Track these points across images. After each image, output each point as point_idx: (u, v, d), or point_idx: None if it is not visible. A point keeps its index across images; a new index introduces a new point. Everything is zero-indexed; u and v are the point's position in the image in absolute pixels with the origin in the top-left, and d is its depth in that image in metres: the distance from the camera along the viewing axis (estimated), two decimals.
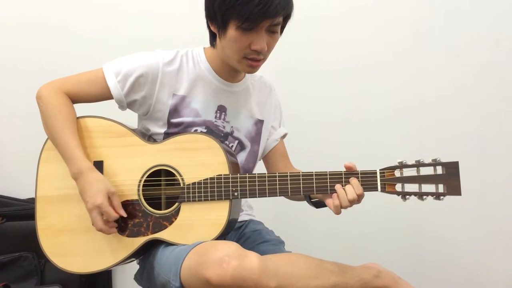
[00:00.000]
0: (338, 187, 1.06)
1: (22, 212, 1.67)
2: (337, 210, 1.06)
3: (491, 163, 1.90)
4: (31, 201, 1.71)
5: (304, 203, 1.20)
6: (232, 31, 1.06)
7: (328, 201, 1.08)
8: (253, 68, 1.14)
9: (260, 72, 1.21)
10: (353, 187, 1.05)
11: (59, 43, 1.84)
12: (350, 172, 1.07)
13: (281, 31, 1.15)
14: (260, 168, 1.31)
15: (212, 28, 1.14)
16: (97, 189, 1.05)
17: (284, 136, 1.38)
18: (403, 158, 1.05)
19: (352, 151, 1.84)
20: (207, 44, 1.22)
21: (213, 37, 1.18)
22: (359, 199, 1.05)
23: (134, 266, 1.25)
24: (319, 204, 1.16)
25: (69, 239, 1.13)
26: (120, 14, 1.86)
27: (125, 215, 1.08)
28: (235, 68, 1.16)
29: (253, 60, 1.10)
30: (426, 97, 1.90)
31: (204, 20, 1.16)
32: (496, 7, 1.89)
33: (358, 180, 1.06)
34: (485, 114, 1.90)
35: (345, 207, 1.06)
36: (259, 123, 1.29)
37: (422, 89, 1.90)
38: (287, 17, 1.11)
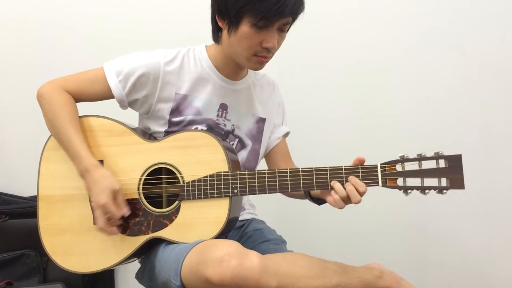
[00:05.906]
0: (334, 182, 1.03)
1: (25, 210, 1.67)
2: (339, 204, 1.03)
3: (496, 160, 1.87)
4: (34, 199, 1.70)
5: (306, 202, 1.19)
6: (245, 28, 1.06)
7: (329, 198, 1.05)
8: (261, 65, 1.14)
9: (265, 69, 1.20)
10: (353, 186, 1.02)
11: (60, 41, 1.84)
12: (350, 168, 1.04)
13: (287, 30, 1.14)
14: (262, 166, 1.30)
15: (220, 23, 1.12)
16: (101, 188, 1.04)
17: (286, 134, 1.36)
18: (405, 153, 1.02)
19: (355, 147, 1.83)
20: (208, 42, 1.21)
21: (217, 33, 1.16)
22: (360, 195, 1.02)
23: (136, 265, 1.25)
24: (320, 201, 1.14)
25: (71, 238, 1.12)
26: (120, 12, 1.86)
27: (128, 213, 1.08)
28: (242, 64, 1.15)
29: (263, 57, 1.10)
30: (432, 93, 1.88)
31: (205, 18, 1.15)
32: (503, 3, 1.87)
33: (359, 176, 1.03)
34: (491, 111, 1.88)
35: (344, 199, 1.02)
36: (261, 121, 1.28)
37: (427, 85, 1.88)
38: (295, 17, 1.11)
